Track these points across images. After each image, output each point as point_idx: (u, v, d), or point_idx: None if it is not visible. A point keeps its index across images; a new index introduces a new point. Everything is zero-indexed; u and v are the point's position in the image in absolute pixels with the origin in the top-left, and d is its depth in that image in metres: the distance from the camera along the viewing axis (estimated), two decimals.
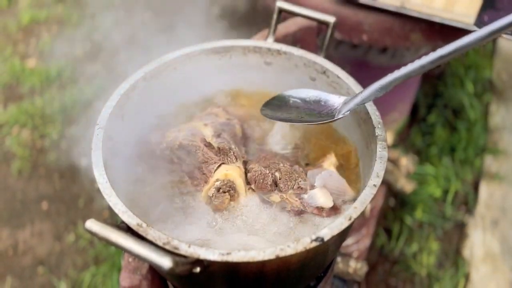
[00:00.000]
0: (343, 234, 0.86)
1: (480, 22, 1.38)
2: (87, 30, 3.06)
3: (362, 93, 0.81)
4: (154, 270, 1.09)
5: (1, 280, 1.89)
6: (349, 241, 1.60)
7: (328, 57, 1.03)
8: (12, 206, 2.13)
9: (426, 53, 0.74)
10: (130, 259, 1.09)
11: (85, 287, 1.84)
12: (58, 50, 2.94)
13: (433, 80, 2.62)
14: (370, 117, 0.88)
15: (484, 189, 2.16)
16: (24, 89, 2.67)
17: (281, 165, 0.90)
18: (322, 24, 1.04)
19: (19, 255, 1.97)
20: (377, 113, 0.88)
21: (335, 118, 0.85)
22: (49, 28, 3.11)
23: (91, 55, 2.91)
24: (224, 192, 0.86)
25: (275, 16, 1.07)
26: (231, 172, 0.88)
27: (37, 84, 2.69)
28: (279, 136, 0.98)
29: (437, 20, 1.40)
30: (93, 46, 2.97)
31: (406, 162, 2.09)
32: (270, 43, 1.05)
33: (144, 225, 0.69)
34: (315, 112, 0.89)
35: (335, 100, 0.89)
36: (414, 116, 2.45)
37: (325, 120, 0.86)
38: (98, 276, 1.85)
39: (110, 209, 0.73)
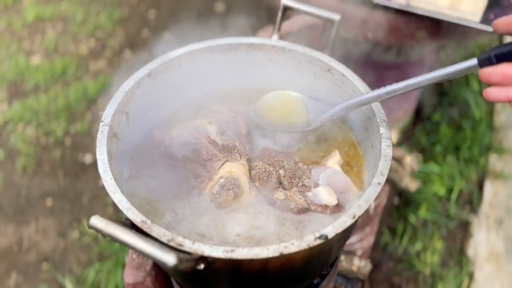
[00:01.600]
0: (347, 232, 0.86)
1: (486, 20, 1.37)
2: (91, 27, 3.07)
3: (331, 110, 0.93)
4: (158, 267, 1.09)
5: (6, 276, 1.90)
6: (353, 239, 1.60)
7: (333, 54, 1.03)
8: (17, 203, 2.14)
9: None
10: (134, 256, 1.10)
11: (89, 283, 1.84)
12: (62, 47, 2.95)
13: None
14: (375, 115, 0.87)
15: (489, 188, 2.15)
16: (29, 86, 2.68)
17: (285, 162, 0.90)
18: (327, 21, 1.04)
19: (23, 251, 1.98)
20: (382, 111, 0.88)
21: (309, 128, 0.97)
22: (54, 25, 3.11)
23: (95, 52, 2.92)
24: (228, 190, 0.86)
25: (280, 13, 1.06)
26: (235, 169, 0.88)
27: (41, 81, 2.70)
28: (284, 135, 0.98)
29: (442, 18, 1.40)
30: (98, 43, 2.98)
31: (411, 160, 2.09)
32: (274, 40, 1.05)
33: (148, 222, 0.69)
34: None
35: (319, 107, 0.99)
36: (419, 115, 2.45)
37: (302, 129, 0.98)
38: (102, 272, 1.86)
39: (114, 206, 0.73)
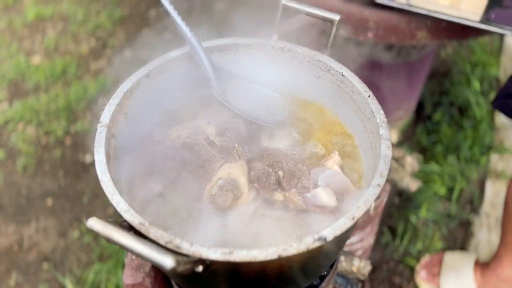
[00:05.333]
0: (347, 234, 0.86)
1: (486, 19, 1.36)
2: (92, 26, 3.06)
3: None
4: (157, 268, 1.09)
5: (6, 276, 1.90)
6: (353, 239, 1.59)
7: (332, 54, 1.02)
8: (17, 202, 2.14)
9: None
10: (133, 257, 1.10)
11: (89, 283, 1.84)
12: (63, 47, 2.95)
13: (439, 78, 2.61)
14: (375, 116, 0.87)
15: (490, 188, 2.15)
16: (29, 86, 2.68)
17: (285, 163, 0.89)
18: (327, 21, 1.03)
19: (24, 251, 1.98)
20: (382, 111, 0.87)
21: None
22: (54, 24, 3.11)
23: (96, 51, 2.92)
24: (227, 191, 0.85)
25: (279, 13, 1.06)
26: (234, 170, 0.87)
27: (42, 81, 2.70)
28: (282, 135, 0.97)
29: (443, 17, 1.39)
30: (98, 42, 2.98)
31: (411, 160, 2.08)
32: (274, 40, 1.04)
33: (146, 223, 0.68)
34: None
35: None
36: (420, 114, 2.44)
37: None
38: (103, 272, 1.86)
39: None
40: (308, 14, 1.04)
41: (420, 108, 2.43)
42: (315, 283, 1.04)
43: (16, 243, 2.00)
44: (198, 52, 0.97)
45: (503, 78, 2.64)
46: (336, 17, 1.01)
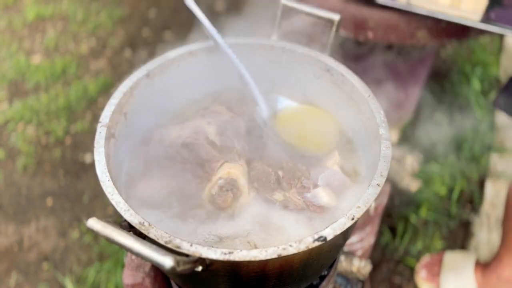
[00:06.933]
0: (346, 234, 0.86)
1: (486, 19, 1.36)
2: (92, 26, 3.06)
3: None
4: (157, 268, 1.09)
5: (6, 276, 1.90)
6: (353, 239, 1.59)
7: (332, 54, 1.02)
8: (17, 202, 2.14)
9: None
10: (133, 257, 1.10)
11: (89, 283, 1.84)
12: (63, 46, 2.95)
13: (439, 78, 2.61)
14: (374, 116, 0.87)
15: (490, 188, 2.14)
16: (29, 86, 2.68)
17: (284, 163, 0.89)
18: (327, 21, 1.03)
19: (24, 250, 1.98)
20: (382, 111, 0.88)
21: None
22: (54, 24, 3.11)
23: (96, 51, 2.91)
24: (227, 191, 0.85)
25: (279, 13, 1.06)
26: (234, 170, 0.87)
27: (42, 81, 2.69)
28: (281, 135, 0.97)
29: (443, 17, 1.39)
30: (98, 42, 2.98)
31: (411, 160, 2.08)
32: (274, 40, 1.04)
33: (146, 223, 0.68)
34: None
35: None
36: (420, 114, 2.44)
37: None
38: (103, 272, 1.86)
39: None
40: (308, 14, 1.04)
41: (420, 108, 2.43)
42: (315, 283, 1.04)
43: (16, 243, 2.00)
44: (243, 74, 0.94)
45: (503, 78, 2.64)
46: (336, 17, 1.01)
